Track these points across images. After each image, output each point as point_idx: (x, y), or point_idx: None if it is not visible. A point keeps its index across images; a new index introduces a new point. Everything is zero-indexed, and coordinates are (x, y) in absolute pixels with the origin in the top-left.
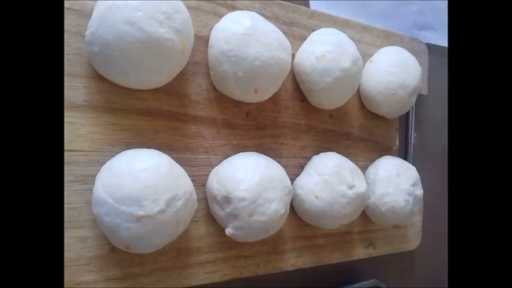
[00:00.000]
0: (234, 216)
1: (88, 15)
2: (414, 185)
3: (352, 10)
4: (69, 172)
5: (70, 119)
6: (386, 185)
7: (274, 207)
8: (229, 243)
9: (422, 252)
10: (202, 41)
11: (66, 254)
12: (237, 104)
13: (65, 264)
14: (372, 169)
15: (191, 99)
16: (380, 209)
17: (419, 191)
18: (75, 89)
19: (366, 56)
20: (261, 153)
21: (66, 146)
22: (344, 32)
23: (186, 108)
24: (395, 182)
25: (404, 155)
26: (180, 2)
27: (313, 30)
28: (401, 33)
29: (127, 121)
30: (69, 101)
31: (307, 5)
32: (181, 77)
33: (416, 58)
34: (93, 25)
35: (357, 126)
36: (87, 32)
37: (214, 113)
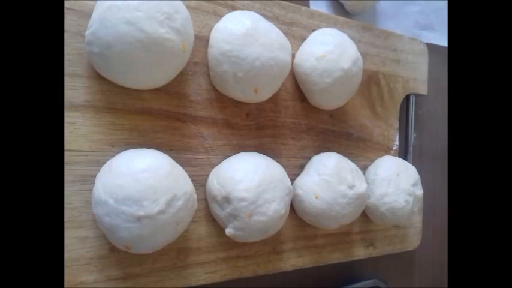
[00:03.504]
0: (234, 216)
1: (88, 15)
2: (414, 185)
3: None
4: (69, 172)
5: (70, 119)
6: (387, 185)
7: (274, 207)
8: (229, 243)
9: (422, 252)
10: (202, 41)
11: (66, 254)
12: (237, 104)
13: (65, 264)
14: (372, 169)
15: (191, 99)
16: (380, 209)
17: (420, 191)
18: (75, 89)
19: (366, 56)
20: (261, 153)
21: (66, 146)
22: (344, 32)
23: (186, 108)
24: (395, 182)
25: (404, 155)
26: (180, 2)
27: (313, 30)
28: (401, 33)
29: (127, 121)
30: (69, 101)
31: (307, 5)
32: (181, 77)
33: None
34: (93, 25)
35: (357, 126)
36: (87, 32)
37: (214, 113)
